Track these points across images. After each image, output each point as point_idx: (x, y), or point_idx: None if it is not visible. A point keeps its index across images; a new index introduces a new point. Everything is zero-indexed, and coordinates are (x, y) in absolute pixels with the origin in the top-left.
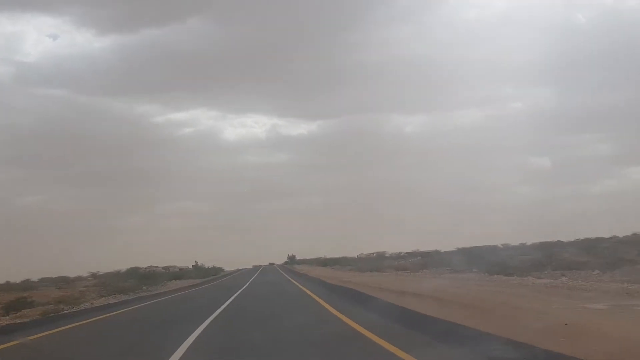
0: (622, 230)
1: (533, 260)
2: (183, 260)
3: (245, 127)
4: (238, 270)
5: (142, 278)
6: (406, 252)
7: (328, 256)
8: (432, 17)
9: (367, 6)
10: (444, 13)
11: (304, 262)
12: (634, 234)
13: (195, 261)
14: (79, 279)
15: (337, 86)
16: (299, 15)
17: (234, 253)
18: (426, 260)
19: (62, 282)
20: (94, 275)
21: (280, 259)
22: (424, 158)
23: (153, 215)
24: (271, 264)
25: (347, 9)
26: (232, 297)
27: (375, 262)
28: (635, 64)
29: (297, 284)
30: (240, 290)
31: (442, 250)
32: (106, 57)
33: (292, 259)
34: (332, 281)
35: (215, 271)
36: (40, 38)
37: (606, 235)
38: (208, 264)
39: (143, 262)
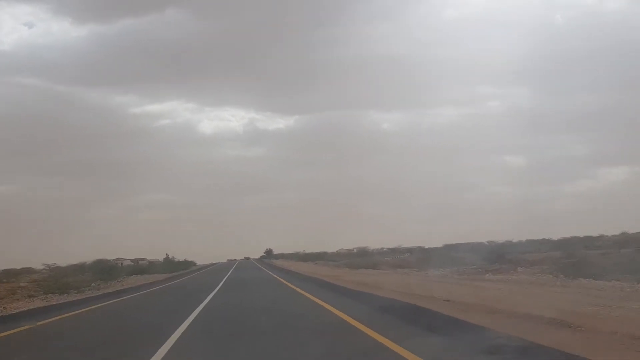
0: (594, 230)
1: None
2: (155, 253)
3: (222, 120)
4: (212, 264)
5: (100, 272)
6: (388, 248)
7: (306, 251)
8: (411, 15)
9: (347, 2)
10: (423, 11)
11: (281, 256)
12: (601, 236)
13: (166, 254)
14: (28, 271)
15: (316, 81)
16: (279, 9)
17: (208, 247)
18: (422, 257)
19: (5, 275)
20: (49, 268)
21: (256, 254)
22: (401, 155)
23: (127, 206)
24: (247, 259)
25: (327, 4)
26: (198, 311)
27: (361, 258)
28: (613, 66)
29: (293, 286)
30: (212, 294)
31: (426, 247)
32: (83, 46)
33: (269, 253)
34: (339, 282)
35: (186, 265)
36: (16, 26)
37: (581, 235)
38: (181, 257)
39: (113, 254)
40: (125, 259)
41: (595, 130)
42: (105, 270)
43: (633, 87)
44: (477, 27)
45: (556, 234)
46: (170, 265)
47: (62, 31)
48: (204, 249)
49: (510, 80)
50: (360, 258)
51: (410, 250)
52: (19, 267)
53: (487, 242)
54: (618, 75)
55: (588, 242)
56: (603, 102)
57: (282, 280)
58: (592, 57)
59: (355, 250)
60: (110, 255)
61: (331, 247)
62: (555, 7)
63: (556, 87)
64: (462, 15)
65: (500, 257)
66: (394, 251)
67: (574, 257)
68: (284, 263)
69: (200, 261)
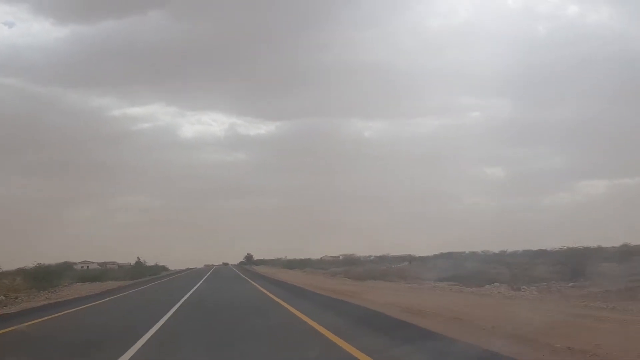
0: (570, 242)
1: None
2: (129, 256)
3: (203, 124)
4: (187, 269)
5: (36, 279)
6: (376, 256)
7: (288, 257)
8: (396, 24)
9: (332, 8)
10: (408, 20)
11: (262, 262)
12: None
13: (138, 257)
14: None
15: (298, 87)
16: (263, 14)
17: (185, 251)
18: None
19: None
20: None
21: (235, 259)
22: (382, 163)
23: (103, 208)
24: (225, 264)
25: (312, 10)
26: None
27: (352, 266)
28: (594, 78)
29: (306, 317)
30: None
31: (417, 255)
32: (63, 47)
33: (249, 259)
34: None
35: (156, 270)
36: None
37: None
38: (155, 261)
39: (81, 257)
40: (92, 262)
41: (575, 143)
42: (42, 276)
43: (614, 99)
44: (461, 37)
45: (534, 245)
46: (135, 271)
47: (42, 31)
48: (181, 253)
49: (491, 91)
50: (351, 266)
51: (404, 259)
52: None
53: (482, 251)
54: (599, 88)
55: (590, 253)
56: (584, 115)
57: (276, 299)
58: (573, 69)
59: (340, 257)
60: (79, 258)
61: (313, 254)
62: (538, 18)
63: (537, 99)
64: (446, 25)
65: (576, 271)
66: (382, 259)
67: None
68: (268, 270)
69: (177, 266)
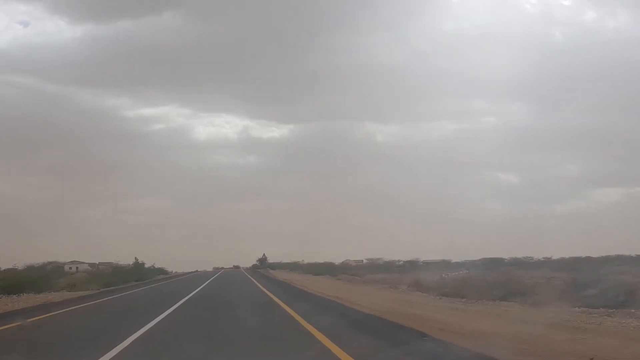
0: (584, 251)
1: None
2: (136, 257)
3: (216, 126)
4: (196, 271)
5: None
6: (406, 261)
7: (305, 261)
8: (412, 27)
9: (348, 11)
10: (424, 23)
11: (278, 266)
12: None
13: (135, 258)
14: None
15: (312, 91)
16: (278, 16)
17: (194, 254)
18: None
19: None
20: None
21: (246, 262)
22: (395, 167)
23: (113, 209)
24: (236, 267)
25: (327, 13)
26: None
27: (386, 272)
28: (611, 85)
29: None
30: None
31: (453, 261)
32: (78, 47)
33: (263, 262)
34: None
35: (148, 273)
36: (11, 24)
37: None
38: (161, 263)
39: (90, 258)
40: (82, 262)
41: (590, 150)
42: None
43: (630, 107)
44: (476, 41)
45: (544, 253)
46: (114, 276)
47: (57, 31)
48: (190, 255)
49: (507, 97)
50: (392, 273)
51: (438, 265)
52: None
53: (524, 257)
54: (615, 95)
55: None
56: (600, 121)
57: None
58: (590, 75)
59: (364, 261)
60: (87, 258)
61: (329, 257)
62: (555, 23)
63: (553, 105)
64: (462, 29)
65: None
66: (413, 264)
67: None
68: (289, 276)
69: (185, 268)
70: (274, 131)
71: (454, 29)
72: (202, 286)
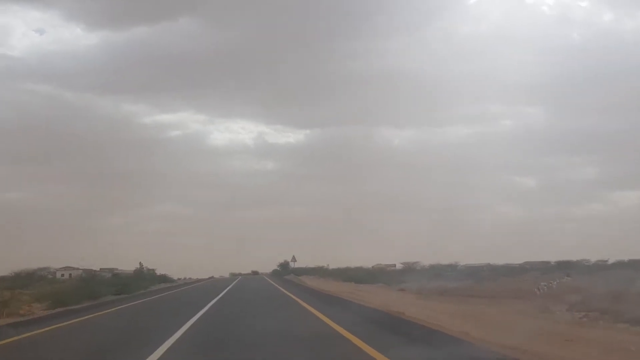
0: (603, 255)
1: None
2: (150, 264)
3: (232, 132)
4: (211, 277)
5: None
6: (446, 264)
7: (331, 266)
8: (428, 31)
9: (364, 16)
10: (441, 27)
11: (304, 271)
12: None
13: (140, 263)
14: None
15: (328, 95)
16: (293, 21)
17: (211, 260)
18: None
19: None
20: None
21: (265, 268)
22: (412, 171)
23: (130, 216)
24: (255, 273)
25: (343, 17)
26: None
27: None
28: (629, 87)
29: None
30: None
31: (491, 263)
32: (94, 53)
33: (285, 267)
34: None
35: (143, 282)
36: (27, 32)
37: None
38: (177, 270)
39: (105, 264)
40: (76, 268)
41: (608, 153)
42: None
43: None
44: (493, 44)
45: (563, 257)
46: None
47: (73, 38)
48: (207, 261)
49: (523, 99)
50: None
51: (481, 268)
52: None
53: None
54: (634, 97)
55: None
56: (617, 124)
57: None
58: (608, 77)
59: (397, 265)
60: (101, 265)
61: (356, 262)
62: (572, 24)
63: (570, 107)
64: (479, 32)
65: None
66: (453, 268)
67: None
68: (325, 285)
69: (201, 275)
70: (290, 137)
71: (470, 32)
72: (203, 311)
